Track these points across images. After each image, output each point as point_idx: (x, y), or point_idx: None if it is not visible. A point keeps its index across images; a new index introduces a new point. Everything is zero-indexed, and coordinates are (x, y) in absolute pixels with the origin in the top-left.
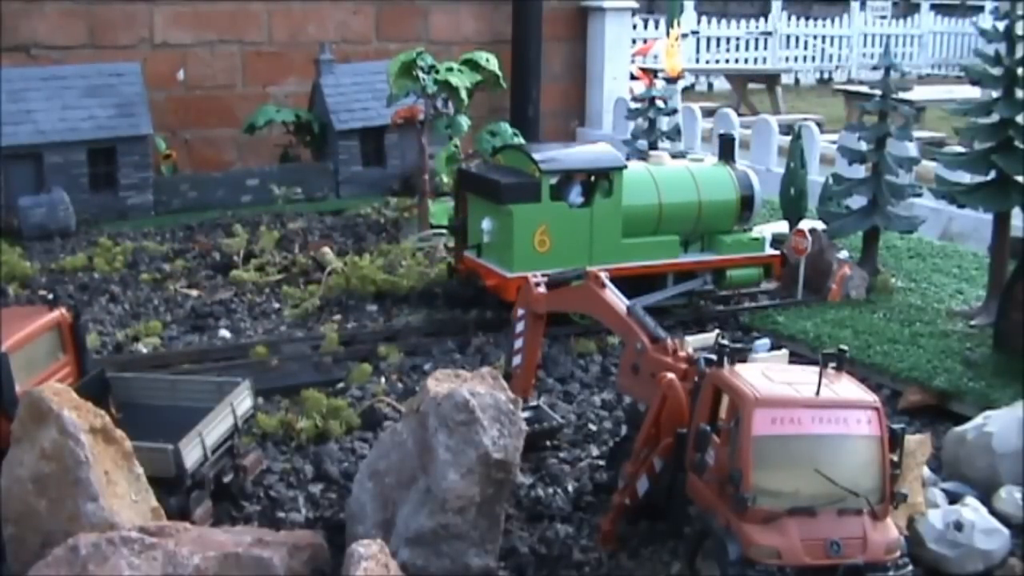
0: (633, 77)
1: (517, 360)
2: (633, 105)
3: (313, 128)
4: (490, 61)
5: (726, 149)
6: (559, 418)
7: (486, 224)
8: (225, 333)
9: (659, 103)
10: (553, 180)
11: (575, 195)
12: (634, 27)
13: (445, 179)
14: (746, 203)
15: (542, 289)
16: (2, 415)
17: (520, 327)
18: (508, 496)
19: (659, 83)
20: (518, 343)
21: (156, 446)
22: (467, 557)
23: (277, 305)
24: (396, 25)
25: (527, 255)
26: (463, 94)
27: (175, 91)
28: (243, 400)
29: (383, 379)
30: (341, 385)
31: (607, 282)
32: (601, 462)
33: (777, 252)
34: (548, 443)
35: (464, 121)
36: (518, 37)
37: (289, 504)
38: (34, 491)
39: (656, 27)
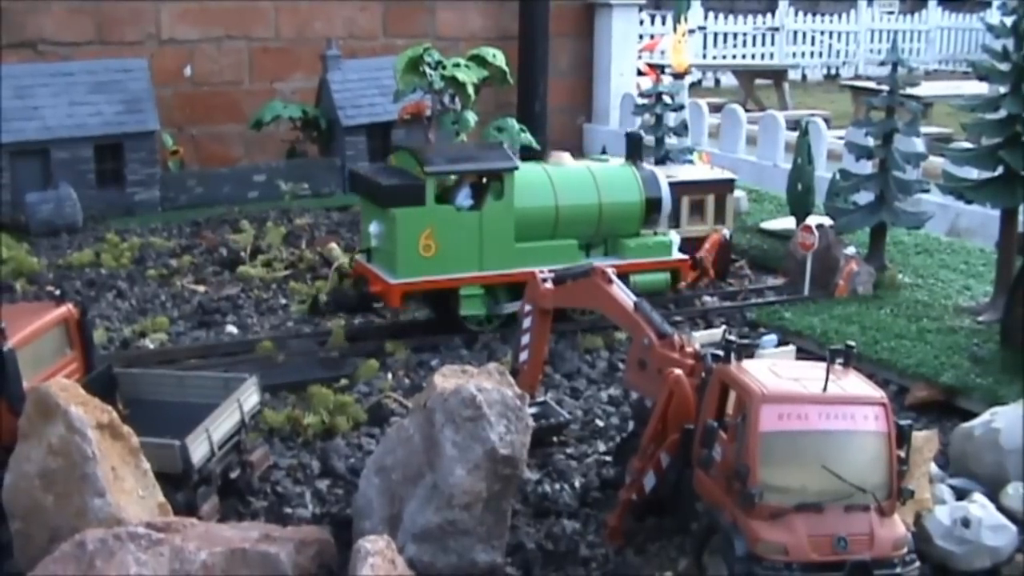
0: (640, 73)
1: (524, 356)
2: (640, 101)
3: (320, 124)
4: (497, 57)
5: (633, 148)
6: (566, 414)
7: (373, 228)
8: (232, 329)
9: (666, 99)
10: (439, 182)
11: (463, 198)
12: (641, 23)
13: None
14: (652, 205)
15: (549, 285)
16: (9, 411)
17: (527, 323)
18: (515, 492)
19: (666, 79)
20: (525, 339)
21: (163, 442)
22: (474, 553)
23: (284, 301)
24: (403, 21)
25: (412, 261)
26: (470, 90)
27: (182, 87)
28: (250, 396)
29: (390, 375)
30: (348, 381)
31: (614, 278)
32: (608, 458)
33: (685, 256)
34: (555, 439)
35: (471, 117)
36: (525, 33)
37: (296, 500)
38: (41, 486)
39: (663, 23)
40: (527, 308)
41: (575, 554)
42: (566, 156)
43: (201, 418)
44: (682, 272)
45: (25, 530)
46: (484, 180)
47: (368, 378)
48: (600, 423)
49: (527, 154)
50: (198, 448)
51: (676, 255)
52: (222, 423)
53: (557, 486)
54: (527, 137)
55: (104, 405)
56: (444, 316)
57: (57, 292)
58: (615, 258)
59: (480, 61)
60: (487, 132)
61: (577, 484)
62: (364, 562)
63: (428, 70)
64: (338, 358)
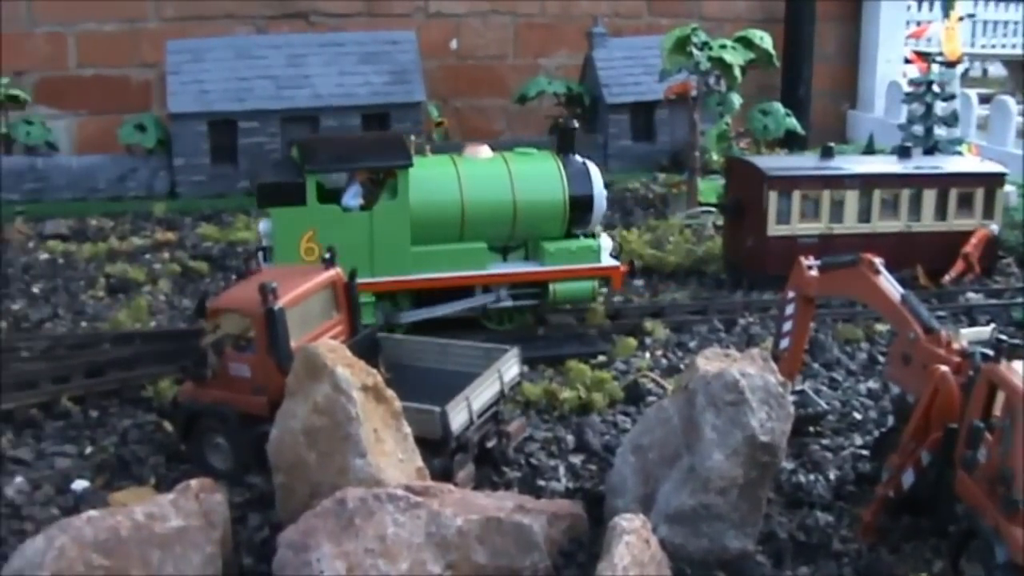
0: (907, 61)
1: (784, 343)
2: (908, 89)
3: (584, 101)
4: (764, 39)
5: (564, 141)
6: (824, 404)
7: (262, 227)
8: None
9: (936, 88)
10: (321, 179)
11: (351, 197)
12: (908, 8)
13: (715, 156)
14: (580, 204)
15: (814, 272)
16: (277, 368)
17: (790, 310)
18: (771, 480)
19: (935, 67)
20: (787, 326)
21: (424, 407)
22: (726, 538)
23: None
24: (668, 1)
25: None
26: (736, 72)
27: (447, 60)
28: (510, 367)
29: (647, 354)
30: (605, 358)
31: (882, 268)
32: (865, 452)
33: (616, 263)
34: (812, 429)
35: (736, 99)
36: (791, 16)
37: (549, 473)
38: (305, 443)
39: (930, 9)
40: (790, 295)
41: (827, 547)
42: (483, 148)
43: (461, 386)
44: (613, 280)
45: (288, 484)
46: (381, 176)
47: (625, 356)
48: (858, 416)
49: (791, 139)
50: (458, 416)
51: (606, 261)
52: (482, 392)
53: (812, 477)
54: (792, 121)
55: (369, 368)
56: None
57: (327, 256)
58: (533, 264)
59: (747, 43)
60: (752, 115)
61: (832, 476)
62: (619, 540)
63: (695, 50)
64: (596, 335)
